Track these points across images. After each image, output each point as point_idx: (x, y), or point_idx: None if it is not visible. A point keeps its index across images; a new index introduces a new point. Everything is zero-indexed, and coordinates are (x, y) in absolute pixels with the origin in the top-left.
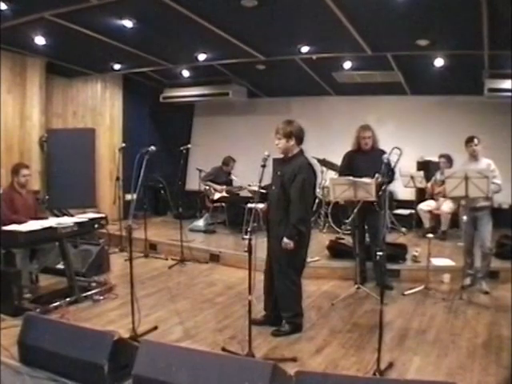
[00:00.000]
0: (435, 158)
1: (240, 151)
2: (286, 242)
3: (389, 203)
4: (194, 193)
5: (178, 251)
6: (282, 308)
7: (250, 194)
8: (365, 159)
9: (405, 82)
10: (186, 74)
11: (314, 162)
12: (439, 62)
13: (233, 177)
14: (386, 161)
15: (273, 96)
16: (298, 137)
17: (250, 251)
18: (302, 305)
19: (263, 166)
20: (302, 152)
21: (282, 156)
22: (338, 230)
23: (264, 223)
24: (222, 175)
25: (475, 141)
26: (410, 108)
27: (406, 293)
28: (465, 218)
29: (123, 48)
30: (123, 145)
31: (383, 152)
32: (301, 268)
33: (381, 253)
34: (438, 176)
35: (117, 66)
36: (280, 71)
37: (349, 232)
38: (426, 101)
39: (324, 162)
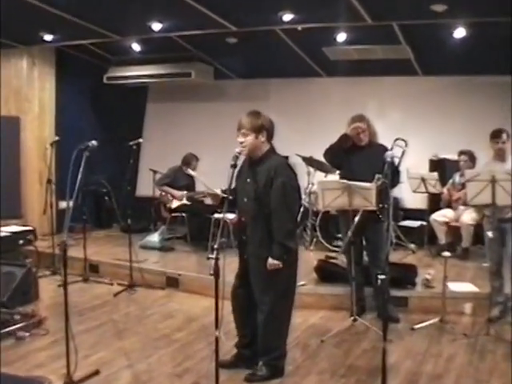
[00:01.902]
0: (453, 156)
1: (205, 147)
2: (273, 263)
3: (393, 213)
4: (147, 200)
5: (126, 274)
6: (262, 348)
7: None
8: (361, 157)
9: (415, 58)
10: (136, 48)
11: (299, 162)
12: (460, 33)
13: (192, 172)
14: (389, 159)
15: (247, 77)
16: (270, 131)
17: (216, 274)
18: (286, 343)
19: (233, 166)
20: (273, 149)
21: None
22: (328, 246)
23: (235, 238)
24: (181, 178)
25: (503, 136)
26: (422, 92)
27: (416, 327)
28: (490, 232)
29: (57, 14)
30: (56, 138)
31: (385, 148)
32: (291, 295)
33: (383, 276)
34: (456, 178)
35: (48, 37)
36: (256, 46)
37: (342, 249)
38: (442, 82)
39: (311, 161)
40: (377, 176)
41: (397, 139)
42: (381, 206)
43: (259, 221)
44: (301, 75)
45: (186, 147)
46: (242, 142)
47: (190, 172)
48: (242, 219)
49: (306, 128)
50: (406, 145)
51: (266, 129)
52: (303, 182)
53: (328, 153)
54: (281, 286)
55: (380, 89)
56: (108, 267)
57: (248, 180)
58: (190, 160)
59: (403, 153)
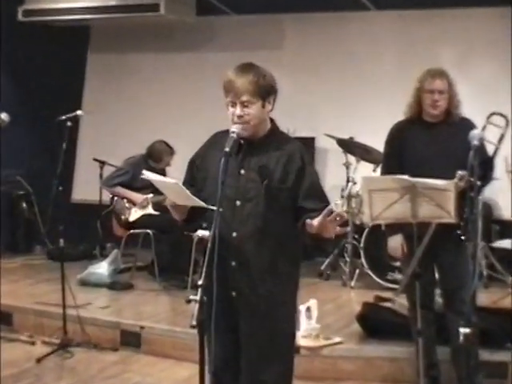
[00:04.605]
0: None
1: (180, 125)
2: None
3: (484, 228)
4: (90, 208)
5: (56, 327)
6: None
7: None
8: (433, 139)
9: None
10: None
11: (331, 147)
12: None
13: (149, 175)
14: (476, 143)
15: (249, 12)
16: (275, 96)
17: (201, 326)
18: None
19: (228, 155)
20: (277, 126)
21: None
22: (379, 281)
23: (209, 264)
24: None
25: None
26: None
27: None
28: None
29: None
30: None
31: (471, 125)
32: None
33: (468, 329)
34: None
35: None
36: None
37: (402, 286)
38: None
39: (350, 146)
40: (459, 172)
41: (492, 114)
42: (464, 216)
43: (269, 235)
44: (334, 8)
45: (150, 125)
46: (240, 116)
47: (147, 175)
48: (233, 235)
49: (341, 93)
50: (508, 123)
51: (274, 92)
52: (339, 178)
53: (386, 170)
54: (290, 342)
55: (462, 29)
56: (27, 316)
57: (242, 172)
58: (159, 152)
59: (502, 136)
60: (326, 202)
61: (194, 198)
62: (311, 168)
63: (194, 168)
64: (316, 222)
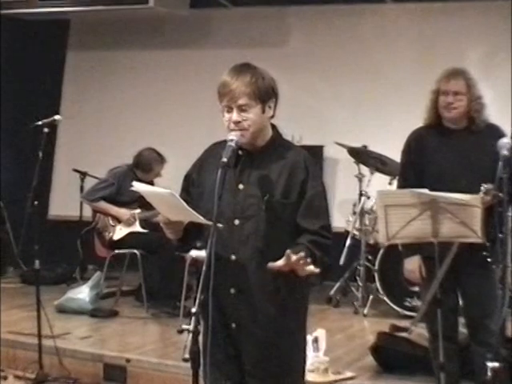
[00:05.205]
0: None
1: (171, 130)
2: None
3: None
4: (69, 225)
5: (30, 359)
6: None
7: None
8: (455, 148)
9: None
10: None
11: (341, 156)
12: None
13: (138, 187)
14: (506, 152)
15: (248, 5)
16: (276, 100)
17: (196, 359)
18: None
19: (226, 167)
20: (279, 133)
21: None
22: (395, 308)
23: (202, 290)
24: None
25: None
26: None
27: None
28: None
29: None
30: None
31: (499, 132)
32: None
33: (496, 363)
34: None
35: None
36: None
37: (421, 314)
38: None
39: (364, 156)
40: (483, 186)
41: None
42: (491, 236)
43: (272, 257)
44: (345, 0)
45: (138, 131)
46: (238, 122)
47: (137, 187)
48: (232, 257)
49: (353, 96)
50: None
51: (275, 95)
52: (350, 191)
53: (403, 183)
54: (299, 375)
55: (487, 24)
56: None
57: (240, 187)
58: (148, 162)
59: None
60: (324, 222)
61: (192, 210)
62: (316, 181)
63: (189, 183)
64: (277, 265)
